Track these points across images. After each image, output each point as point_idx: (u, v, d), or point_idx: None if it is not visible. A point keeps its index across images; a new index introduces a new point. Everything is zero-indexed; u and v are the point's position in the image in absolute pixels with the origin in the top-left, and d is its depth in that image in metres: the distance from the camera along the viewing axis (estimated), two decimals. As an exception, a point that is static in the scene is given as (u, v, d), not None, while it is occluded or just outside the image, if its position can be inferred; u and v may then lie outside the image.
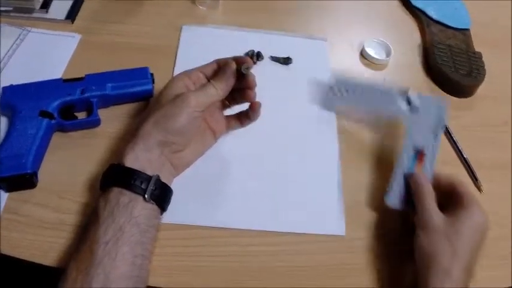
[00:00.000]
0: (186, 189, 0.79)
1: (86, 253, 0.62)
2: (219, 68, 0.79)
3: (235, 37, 1.07)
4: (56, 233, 0.72)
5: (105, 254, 0.61)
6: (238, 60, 0.78)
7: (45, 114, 0.80)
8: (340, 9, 1.23)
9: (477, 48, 1.14)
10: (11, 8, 1.00)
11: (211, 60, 0.82)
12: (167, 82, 0.79)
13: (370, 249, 0.79)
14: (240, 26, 1.10)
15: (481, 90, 1.07)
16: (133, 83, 0.89)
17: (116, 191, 0.67)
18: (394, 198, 0.80)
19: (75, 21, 1.03)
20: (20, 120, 0.79)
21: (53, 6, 1.04)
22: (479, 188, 0.90)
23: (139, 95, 0.89)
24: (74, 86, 0.85)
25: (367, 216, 0.83)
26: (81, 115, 0.86)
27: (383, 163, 0.90)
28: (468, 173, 0.92)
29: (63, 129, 0.83)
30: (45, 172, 0.78)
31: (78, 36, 1.00)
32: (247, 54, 1.02)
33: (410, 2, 1.24)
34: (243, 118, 0.84)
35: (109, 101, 0.87)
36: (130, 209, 0.66)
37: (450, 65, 1.07)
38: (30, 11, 1.02)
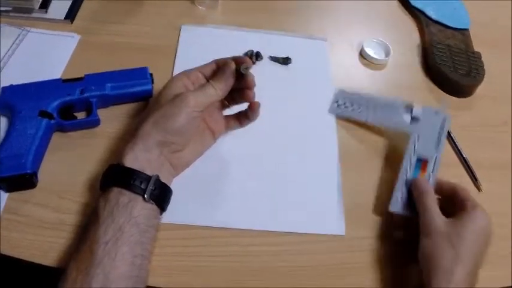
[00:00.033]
0: (186, 189, 0.79)
1: (86, 253, 0.62)
2: (218, 68, 0.79)
3: (234, 37, 1.07)
4: (56, 233, 0.72)
5: (104, 254, 0.61)
6: (237, 60, 0.78)
7: (44, 114, 0.80)
8: (340, 9, 1.23)
9: (476, 48, 1.14)
10: (10, 8, 1.00)
11: (211, 60, 0.82)
12: (166, 82, 0.79)
13: (370, 249, 0.79)
14: (239, 26, 1.10)
15: (480, 90, 1.07)
16: (133, 83, 0.88)
17: (115, 191, 0.67)
18: (398, 205, 0.80)
19: (74, 21, 1.03)
20: (20, 120, 0.79)
21: (52, 6, 1.04)
22: (478, 188, 0.90)
23: (139, 95, 0.89)
24: (73, 86, 0.85)
25: (367, 216, 0.83)
26: (81, 115, 0.86)
27: (382, 164, 0.90)
28: (467, 172, 0.92)
29: (62, 129, 0.83)
30: (45, 172, 0.78)
31: (77, 36, 1.00)
32: (246, 54, 1.02)
33: (409, 2, 1.24)
34: (242, 118, 0.84)
35: (108, 101, 0.87)
36: (129, 209, 0.66)
37: (449, 64, 1.07)
38: (29, 11, 1.02)
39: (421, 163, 0.84)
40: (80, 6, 1.07)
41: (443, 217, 0.73)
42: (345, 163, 0.89)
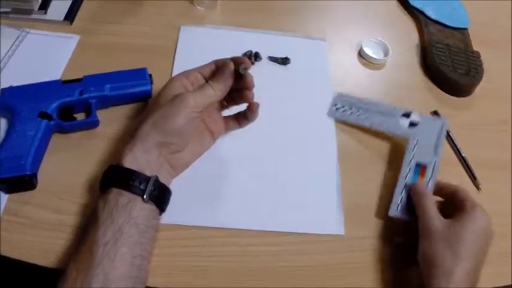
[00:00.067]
0: (185, 189, 0.79)
1: (86, 254, 0.62)
2: (217, 68, 0.79)
3: (233, 37, 1.07)
4: (55, 234, 0.72)
5: (104, 255, 0.61)
6: (236, 60, 0.78)
7: (44, 115, 0.80)
8: (338, 9, 1.23)
9: (475, 48, 1.15)
10: (9, 9, 1.00)
11: (210, 60, 0.82)
12: (165, 83, 0.79)
13: (370, 249, 0.79)
14: (238, 26, 1.10)
15: (479, 89, 1.07)
16: (132, 84, 0.89)
17: (114, 191, 0.67)
18: (397, 210, 0.81)
19: (73, 22, 1.03)
20: (19, 121, 0.79)
21: (52, 7, 1.04)
22: (477, 187, 0.90)
23: (138, 95, 0.90)
24: (72, 87, 0.85)
25: (367, 217, 0.83)
26: (80, 116, 0.86)
27: (382, 165, 0.91)
28: (466, 171, 0.93)
29: (62, 130, 0.83)
30: (45, 173, 0.78)
31: (76, 37, 1.00)
32: (245, 54, 1.02)
33: (408, 2, 1.25)
34: (241, 119, 0.84)
35: (108, 102, 0.88)
36: (129, 210, 0.66)
37: (448, 64, 1.07)
38: (28, 12, 1.02)
39: (420, 168, 0.85)
40: (79, 7, 1.07)
41: (442, 219, 0.74)
42: (344, 164, 0.89)
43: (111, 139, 0.85)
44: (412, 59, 1.13)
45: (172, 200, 0.74)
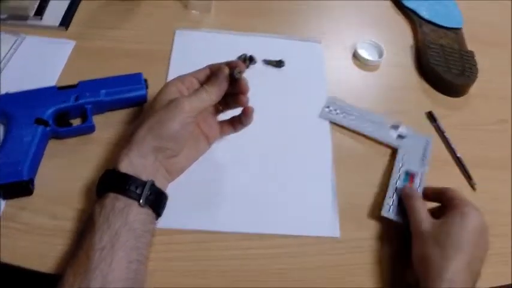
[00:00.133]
0: (182, 194, 0.79)
1: (82, 259, 0.62)
2: (212, 73, 0.80)
3: (228, 41, 1.08)
4: (52, 240, 0.72)
5: (101, 259, 0.61)
6: (230, 64, 0.78)
7: (40, 121, 0.80)
8: (333, 11, 1.23)
9: (470, 47, 1.15)
10: (5, 16, 1.00)
11: (205, 64, 0.82)
12: (161, 88, 0.79)
13: (366, 251, 0.80)
14: (233, 29, 1.10)
15: (474, 89, 1.07)
16: (127, 89, 0.89)
17: (111, 196, 0.68)
18: (389, 212, 0.82)
19: (69, 28, 1.04)
20: (16, 127, 0.80)
21: (47, 13, 1.04)
22: (473, 187, 0.91)
23: (133, 100, 0.90)
24: (68, 93, 0.85)
25: (362, 218, 0.83)
26: (76, 122, 0.87)
27: (377, 166, 0.91)
28: (461, 171, 0.93)
29: (58, 136, 0.84)
30: (42, 179, 0.78)
31: (72, 43, 1.00)
32: (239, 58, 1.02)
33: (402, 3, 1.25)
34: (236, 123, 0.84)
35: (103, 107, 0.88)
36: (125, 215, 0.66)
37: (443, 64, 1.07)
38: (24, 18, 1.02)
39: (409, 176, 0.87)
40: (74, 12, 1.07)
41: (431, 219, 0.75)
42: (340, 165, 0.89)
43: (107, 144, 0.85)
44: (407, 59, 1.13)
45: (169, 204, 0.74)
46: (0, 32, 0.98)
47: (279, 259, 0.76)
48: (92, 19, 1.07)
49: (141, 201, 0.68)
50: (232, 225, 0.79)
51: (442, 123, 0.98)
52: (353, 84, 1.06)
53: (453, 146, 0.95)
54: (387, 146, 0.93)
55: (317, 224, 0.82)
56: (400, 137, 0.94)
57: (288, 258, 0.77)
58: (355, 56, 1.11)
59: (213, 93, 0.76)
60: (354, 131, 0.95)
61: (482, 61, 1.11)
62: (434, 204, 0.81)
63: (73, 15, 1.07)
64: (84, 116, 0.85)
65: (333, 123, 0.95)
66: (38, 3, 1.05)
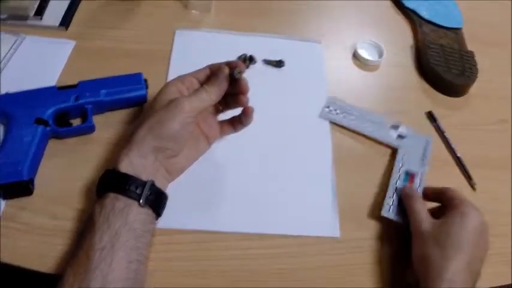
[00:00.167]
0: (182, 194, 0.79)
1: (83, 259, 0.62)
2: (212, 73, 0.80)
3: (228, 41, 1.08)
4: (52, 240, 0.72)
5: (101, 260, 0.62)
6: (230, 64, 0.78)
7: (40, 121, 0.80)
8: (333, 12, 1.23)
9: (470, 47, 1.15)
10: (5, 16, 1.00)
11: (205, 64, 0.82)
12: (161, 87, 0.79)
13: (366, 251, 0.80)
14: (233, 29, 1.10)
15: (474, 89, 1.07)
16: (127, 89, 0.89)
17: (111, 196, 0.68)
18: (389, 212, 0.82)
19: (69, 28, 1.04)
20: (16, 127, 0.80)
21: (47, 13, 1.05)
22: (473, 187, 0.91)
23: (133, 100, 0.90)
24: (68, 93, 0.85)
25: (363, 217, 0.84)
26: (76, 122, 0.87)
27: (377, 166, 0.91)
28: (461, 171, 0.93)
29: (58, 136, 0.84)
30: (42, 179, 0.79)
31: (72, 43, 1.00)
32: (239, 58, 1.02)
33: (402, 3, 1.25)
34: (236, 123, 0.84)
35: (103, 107, 0.88)
36: (125, 214, 0.66)
37: (443, 64, 1.07)
38: (24, 18, 1.02)
39: (409, 176, 0.87)
40: (74, 12, 1.07)
41: (431, 219, 0.75)
42: (340, 166, 0.89)
43: (107, 144, 0.85)
44: (407, 59, 1.14)
45: (169, 204, 0.74)
46: (0, 32, 0.98)
47: (279, 259, 0.76)
48: (92, 19, 1.07)
49: (141, 201, 0.68)
50: (232, 225, 0.79)
51: (442, 123, 0.98)
52: (353, 84, 1.06)
53: (453, 146, 0.95)
54: (387, 146, 0.93)
55: (317, 224, 0.82)
56: (400, 137, 0.94)
57: (288, 258, 0.77)
58: (355, 56, 1.11)
59: (213, 93, 0.76)
60: (353, 131, 0.95)
61: (482, 61, 1.11)
62: (434, 204, 0.81)
63: (73, 15, 1.07)
64: (84, 116, 0.85)
65: (333, 123, 0.95)
66: (38, 3, 1.05)
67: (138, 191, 0.68)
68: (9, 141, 0.78)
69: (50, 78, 0.93)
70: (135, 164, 0.71)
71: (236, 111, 0.84)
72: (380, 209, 0.82)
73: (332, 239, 0.80)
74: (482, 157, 0.96)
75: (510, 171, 0.95)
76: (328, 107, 0.97)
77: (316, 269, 0.76)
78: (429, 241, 0.71)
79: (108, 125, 0.87)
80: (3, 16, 1.00)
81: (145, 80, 0.91)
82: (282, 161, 0.89)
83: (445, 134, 0.97)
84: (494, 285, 0.78)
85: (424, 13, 1.21)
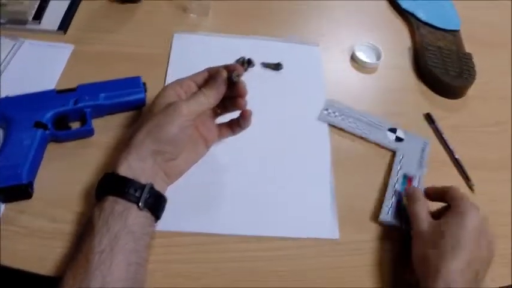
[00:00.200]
0: (181, 197, 0.79)
1: (82, 261, 0.63)
2: (210, 76, 0.80)
3: (226, 44, 1.08)
4: (52, 243, 0.72)
5: (100, 262, 0.62)
6: (228, 68, 0.79)
7: (39, 125, 0.81)
8: (331, 14, 1.23)
9: (468, 48, 1.15)
10: (4, 20, 1.01)
11: (203, 67, 0.82)
12: (159, 91, 0.80)
13: (366, 252, 0.80)
14: (231, 33, 1.10)
15: (472, 90, 1.08)
16: (126, 93, 0.89)
17: (110, 199, 0.68)
18: (386, 216, 0.83)
19: (67, 32, 1.04)
20: (15, 131, 0.80)
21: (46, 17, 1.05)
22: (471, 188, 0.91)
23: (132, 104, 0.90)
24: (67, 97, 0.85)
25: (362, 220, 0.84)
26: (75, 125, 0.87)
27: (375, 168, 0.91)
28: (460, 173, 0.93)
29: (57, 139, 0.84)
30: (41, 182, 0.79)
31: (70, 47, 1.00)
32: (238, 61, 1.01)
33: (399, 5, 1.25)
34: (235, 126, 0.84)
35: (102, 111, 0.88)
36: (124, 218, 0.66)
37: (440, 66, 1.08)
38: (23, 22, 1.02)
39: (407, 179, 0.88)
40: (72, 16, 1.07)
41: (430, 220, 0.75)
42: (339, 168, 0.90)
43: (106, 148, 0.85)
44: (405, 62, 1.14)
45: (168, 207, 0.74)
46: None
47: (278, 261, 0.77)
48: (90, 23, 1.07)
49: (140, 204, 0.68)
50: (232, 227, 0.79)
51: (440, 125, 0.99)
52: (351, 86, 1.06)
53: (451, 147, 0.95)
54: (386, 148, 0.93)
55: (316, 226, 0.82)
56: (398, 139, 0.94)
57: (287, 260, 0.77)
58: (353, 59, 1.11)
59: (211, 97, 0.76)
60: (352, 134, 0.95)
61: (480, 63, 1.11)
62: (439, 205, 0.80)
63: (71, 19, 1.07)
64: (83, 120, 0.86)
65: (332, 126, 0.96)
66: (36, 8, 1.05)
67: (137, 194, 0.68)
68: (8, 145, 0.78)
69: (48, 82, 0.93)
70: (134, 167, 0.71)
71: (234, 114, 0.84)
72: (379, 212, 0.82)
73: (331, 241, 0.80)
74: (480, 159, 0.96)
75: (508, 172, 0.95)
76: (326, 109, 0.98)
77: (315, 271, 0.77)
78: (429, 241, 0.72)
79: (107, 129, 0.87)
80: (2, 20, 1.01)
81: (144, 84, 0.91)
82: (280, 163, 0.89)
83: (443, 135, 0.97)
84: (494, 287, 0.78)
85: (422, 15, 1.21)
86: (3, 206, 0.76)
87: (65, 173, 0.81)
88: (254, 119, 0.82)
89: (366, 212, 0.85)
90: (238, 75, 0.77)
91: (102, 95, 0.87)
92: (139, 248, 0.66)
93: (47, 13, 1.06)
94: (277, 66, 1.04)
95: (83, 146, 0.85)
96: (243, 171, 0.86)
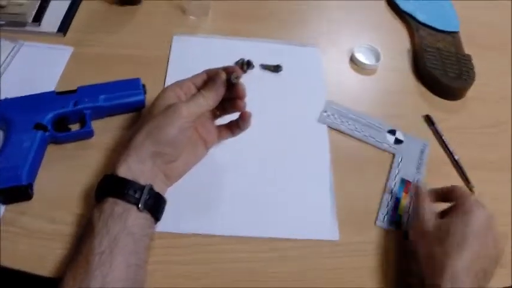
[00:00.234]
0: (180, 198, 0.79)
1: (82, 263, 0.63)
2: (209, 78, 0.80)
3: (226, 46, 1.08)
4: (51, 244, 0.72)
5: (100, 264, 0.62)
6: (227, 69, 0.78)
7: (39, 126, 0.81)
8: (330, 16, 1.23)
9: (467, 50, 1.16)
10: (3, 22, 1.01)
11: (203, 69, 0.82)
12: (159, 93, 0.80)
13: (363, 254, 0.80)
14: (230, 35, 1.10)
15: (471, 92, 1.08)
16: (126, 94, 0.89)
17: (110, 201, 0.68)
18: (384, 220, 0.83)
19: (67, 34, 1.04)
20: (15, 132, 0.80)
21: (45, 20, 1.05)
22: (471, 189, 0.91)
23: (132, 105, 0.90)
24: (67, 99, 0.85)
25: (360, 222, 0.84)
26: (75, 127, 0.87)
27: (374, 170, 0.91)
28: (460, 174, 0.93)
29: (57, 141, 0.84)
30: (41, 184, 0.79)
31: (70, 49, 1.01)
32: (237, 63, 1.02)
33: (399, 7, 1.26)
34: (234, 128, 0.84)
35: (102, 113, 0.88)
36: (124, 219, 0.66)
37: (440, 68, 1.08)
38: (22, 24, 1.02)
39: (405, 183, 0.88)
40: (72, 19, 1.07)
41: (435, 218, 0.75)
42: (338, 170, 0.90)
43: (105, 149, 0.85)
44: (404, 63, 1.14)
45: (168, 208, 0.74)
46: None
47: (278, 262, 0.77)
48: (90, 25, 1.07)
49: (139, 205, 0.68)
50: (231, 228, 0.79)
51: (440, 126, 0.99)
52: (350, 88, 1.06)
53: (451, 149, 0.95)
54: (385, 150, 0.93)
55: (316, 227, 0.82)
56: (398, 141, 0.94)
57: (286, 261, 0.77)
58: (353, 60, 1.11)
59: (210, 98, 0.76)
60: (352, 136, 0.95)
61: (479, 64, 1.11)
62: (445, 205, 0.80)
63: (71, 21, 1.07)
64: (83, 121, 0.86)
65: (331, 128, 0.96)
66: (36, 10, 1.05)
67: (136, 196, 0.68)
68: (8, 146, 0.78)
69: (48, 84, 0.93)
70: (134, 169, 0.71)
71: (234, 116, 0.84)
72: (375, 212, 0.83)
73: (331, 242, 0.80)
74: (480, 159, 0.96)
75: (508, 173, 0.95)
76: (326, 111, 0.98)
77: (315, 272, 0.77)
78: (434, 240, 0.72)
79: (106, 130, 0.87)
80: (1, 22, 1.01)
81: (144, 85, 0.91)
82: (280, 165, 0.89)
83: (443, 137, 0.97)
84: (495, 287, 0.78)
85: (421, 17, 1.22)
86: (3, 207, 0.76)
87: (64, 175, 0.81)
88: (253, 121, 0.82)
89: (366, 214, 0.85)
90: (237, 77, 0.77)
91: (102, 96, 0.87)
92: (139, 249, 0.66)
93: (47, 15, 1.06)
94: (276, 68, 1.04)
95: (83, 148, 0.85)
96: (243, 173, 0.86)
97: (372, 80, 1.08)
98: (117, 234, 0.64)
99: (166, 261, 0.74)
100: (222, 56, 1.01)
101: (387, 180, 0.88)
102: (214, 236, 0.78)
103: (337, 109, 0.98)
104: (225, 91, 0.78)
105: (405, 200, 0.86)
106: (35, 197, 0.77)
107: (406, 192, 0.87)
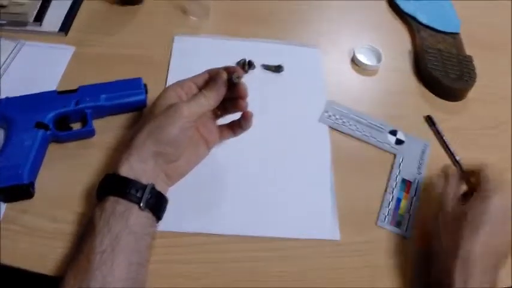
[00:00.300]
0: (182, 197, 0.79)
1: (83, 262, 0.63)
2: (210, 78, 0.80)
3: (227, 46, 1.08)
4: (53, 242, 0.72)
5: (101, 263, 0.62)
6: (229, 69, 0.79)
7: (40, 125, 0.81)
8: (331, 17, 1.23)
9: (468, 50, 1.16)
10: (5, 21, 1.01)
11: (204, 69, 0.82)
12: (160, 92, 0.80)
13: (365, 254, 0.80)
14: (231, 35, 1.10)
15: (472, 93, 1.08)
16: (127, 94, 0.89)
17: (111, 200, 0.68)
18: (383, 222, 0.83)
19: (68, 33, 1.04)
20: (16, 131, 0.80)
21: (47, 19, 1.05)
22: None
23: (133, 105, 0.90)
24: (68, 98, 0.85)
25: (361, 222, 0.84)
26: (76, 126, 0.87)
27: (375, 170, 0.91)
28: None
29: (58, 140, 0.84)
30: (42, 182, 0.79)
31: (71, 49, 1.01)
32: (238, 63, 1.02)
33: (400, 8, 1.26)
34: (235, 127, 0.84)
35: (103, 112, 0.88)
36: (126, 218, 0.66)
37: (441, 69, 1.08)
38: (24, 24, 1.02)
39: (406, 184, 0.89)
40: (73, 18, 1.07)
41: (455, 202, 0.76)
42: (339, 170, 0.90)
43: (107, 148, 0.85)
44: (405, 64, 1.14)
45: (169, 207, 0.74)
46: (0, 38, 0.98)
47: (279, 262, 0.77)
48: (91, 25, 1.07)
49: (141, 204, 0.68)
50: (232, 228, 0.79)
51: (441, 127, 0.99)
52: (352, 88, 1.06)
53: (452, 149, 0.95)
54: (386, 150, 0.94)
55: (317, 227, 0.82)
56: (399, 141, 0.94)
57: (287, 261, 0.77)
58: (354, 61, 1.11)
59: (211, 98, 0.76)
60: (353, 136, 0.95)
61: (480, 65, 1.11)
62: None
63: (72, 20, 1.07)
64: (84, 120, 0.86)
65: (332, 128, 0.96)
66: (37, 9, 1.05)
67: (138, 194, 0.68)
68: (9, 145, 0.78)
69: (49, 83, 0.93)
70: (135, 168, 0.71)
71: (235, 116, 0.84)
72: (379, 214, 0.82)
73: (332, 242, 0.80)
74: (481, 160, 0.96)
75: (509, 173, 0.95)
76: (327, 111, 0.98)
77: (316, 272, 0.77)
78: (451, 223, 0.73)
79: (108, 129, 0.87)
80: (2, 22, 1.01)
81: (145, 85, 0.91)
82: (281, 165, 0.89)
83: (444, 138, 0.97)
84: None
85: (422, 18, 1.22)
86: (4, 205, 0.76)
87: (66, 174, 0.81)
88: (255, 121, 0.82)
89: (367, 214, 0.85)
90: (239, 77, 0.77)
91: (103, 96, 0.87)
92: (140, 248, 0.66)
93: (48, 15, 1.06)
94: (277, 68, 1.04)
95: (84, 147, 0.85)
96: (244, 172, 0.87)
97: (373, 81, 1.08)
98: (118, 233, 0.64)
99: (167, 260, 0.74)
100: (223, 56, 1.01)
101: (388, 180, 0.89)
102: (215, 235, 0.78)
103: (338, 109, 0.99)
104: (226, 91, 0.78)
105: (406, 200, 0.86)
106: (36, 195, 0.77)
107: (407, 193, 0.87)
